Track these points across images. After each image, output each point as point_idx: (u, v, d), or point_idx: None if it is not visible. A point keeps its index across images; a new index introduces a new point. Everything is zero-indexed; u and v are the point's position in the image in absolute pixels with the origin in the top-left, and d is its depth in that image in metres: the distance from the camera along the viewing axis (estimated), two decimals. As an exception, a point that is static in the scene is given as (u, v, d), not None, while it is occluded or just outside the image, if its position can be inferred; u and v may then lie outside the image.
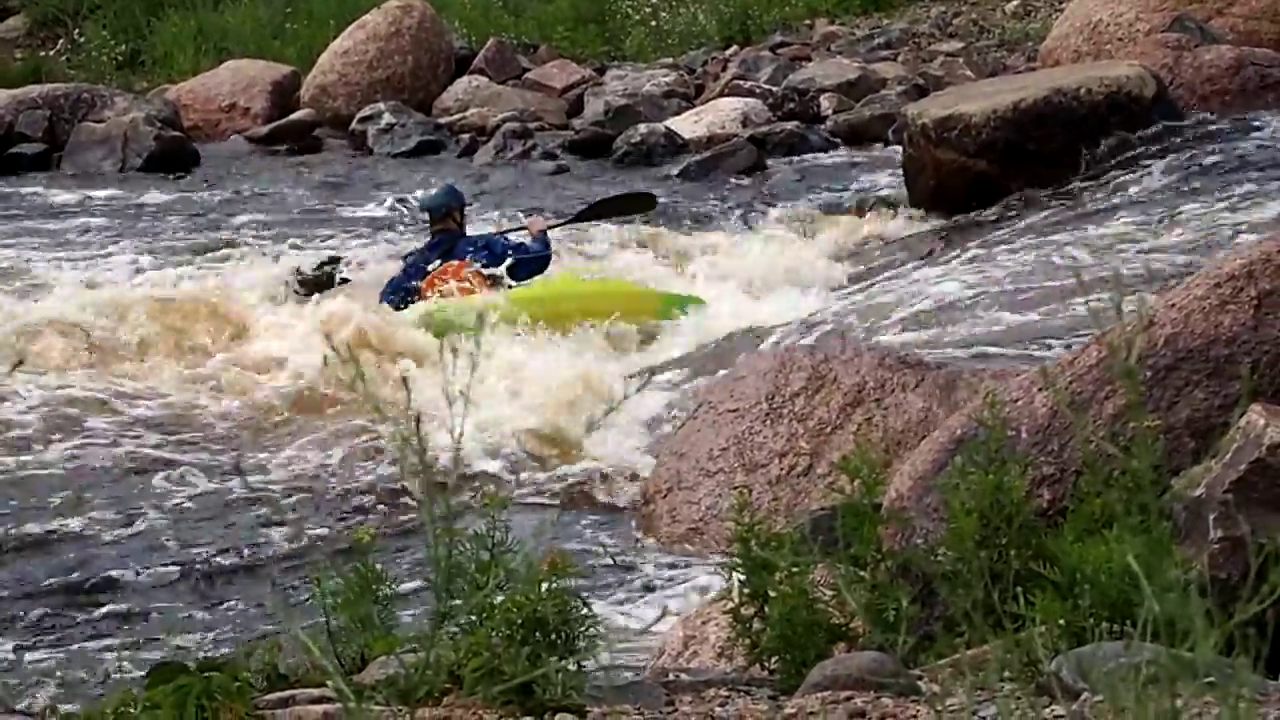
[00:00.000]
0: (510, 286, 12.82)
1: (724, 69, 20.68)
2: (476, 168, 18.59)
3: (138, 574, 9.07)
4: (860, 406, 8.68)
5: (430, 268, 12.98)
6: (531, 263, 13.13)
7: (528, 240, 13.40)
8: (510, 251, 13.14)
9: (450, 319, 12.04)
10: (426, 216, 13.50)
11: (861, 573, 5.34)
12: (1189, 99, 15.51)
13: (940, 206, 14.42)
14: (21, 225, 16.61)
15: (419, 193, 15.47)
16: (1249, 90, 15.72)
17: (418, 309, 12.55)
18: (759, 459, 8.77)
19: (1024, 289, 11.47)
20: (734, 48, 21.50)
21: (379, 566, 5.14)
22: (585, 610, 4.73)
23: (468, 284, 12.79)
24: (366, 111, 19.93)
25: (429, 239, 13.32)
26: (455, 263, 12.95)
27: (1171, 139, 14.45)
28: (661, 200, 15.67)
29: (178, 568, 9.17)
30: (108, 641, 8.26)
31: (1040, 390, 6.05)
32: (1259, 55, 16.19)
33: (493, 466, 10.37)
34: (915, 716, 4.51)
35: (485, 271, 12.88)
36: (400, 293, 12.95)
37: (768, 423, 8.86)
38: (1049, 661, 4.32)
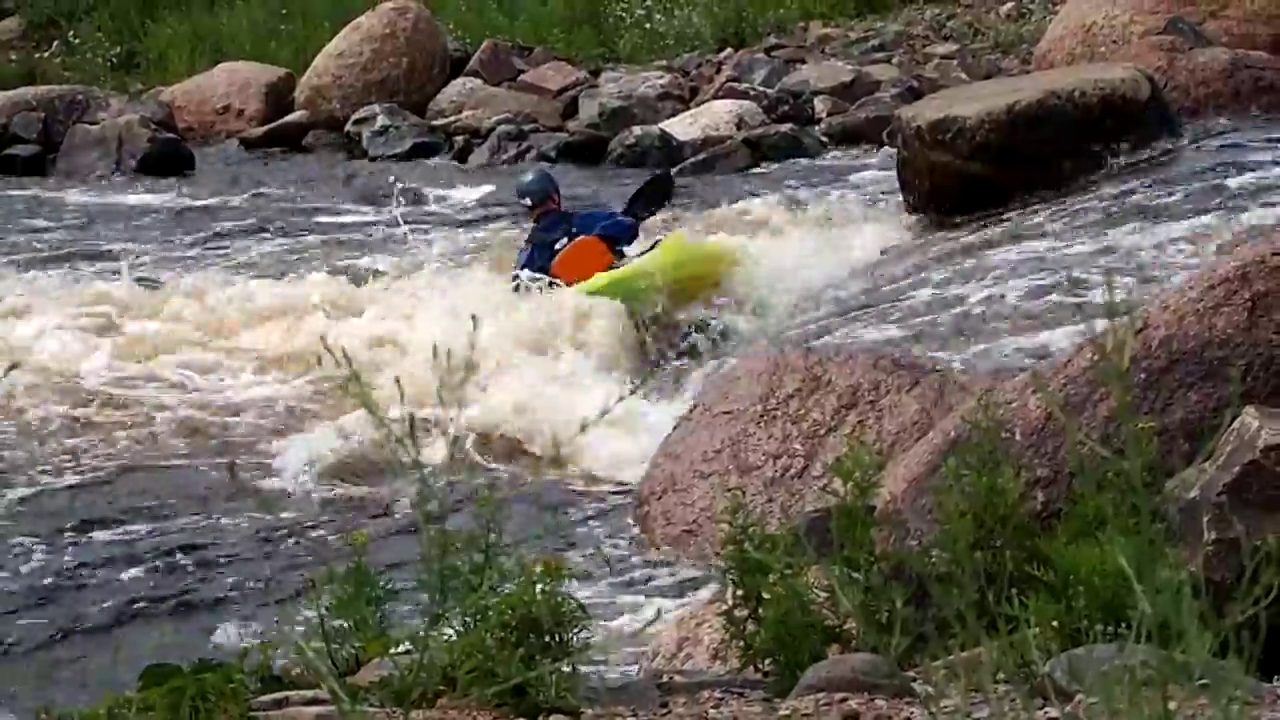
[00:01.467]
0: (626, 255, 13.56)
1: (718, 71, 20.68)
2: (471, 170, 18.58)
3: (132, 574, 9.06)
4: (854, 408, 8.68)
5: (558, 246, 13.32)
6: (626, 231, 13.76)
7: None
8: (614, 216, 13.92)
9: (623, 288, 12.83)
10: (527, 202, 13.77)
11: (855, 574, 5.34)
12: (1183, 102, 15.51)
13: (935, 209, 14.41)
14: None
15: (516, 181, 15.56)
16: (1243, 93, 15.73)
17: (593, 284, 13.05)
18: (753, 461, 8.77)
19: (1018, 291, 11.48)
20: (728, 50, 21.49)
21: (373, 567, 5.14)
22: (579, 612, 4.73)
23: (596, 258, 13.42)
24: (361, 114, 19.93)
25: (537, 222, 13.64)
26: (583, 237, 13.39)
27: (1165, 141, 14.46)
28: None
29: (171, 568, 9.17)
30: (101, 642, 8.25)
31: (1033, 392, 6.05)
32: (1253, 58, 16.20)
33: (487, 467, 10.37)
34: (909, 718, 4.51)
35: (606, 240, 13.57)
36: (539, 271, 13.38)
37: (762, 425, 8.86)
38: (1043, 663, 4.32)
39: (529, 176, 14.29)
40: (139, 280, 14.27)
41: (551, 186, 13.84)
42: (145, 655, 7.73)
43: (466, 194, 17.55)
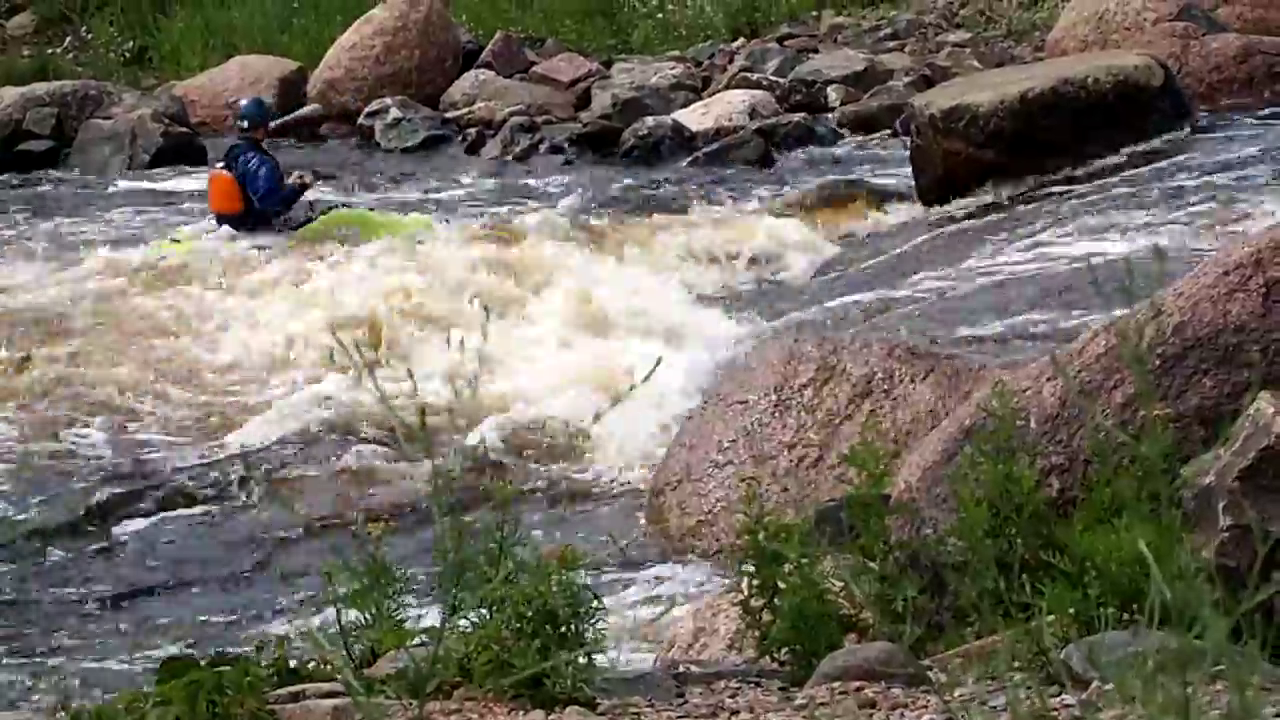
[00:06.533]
0: None
1: (731, 61, 20.66)
2: (484, 162, 18.59)
3: (149, 569, 9.08)
4: (869, 397, 8.67)
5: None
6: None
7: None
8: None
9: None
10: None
11: (871, 564, 5.35)
12: (1196, 88, 15.50)
13: (948, 197, 14.40)
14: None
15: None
16: (1256, 79, 15.71)
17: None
18: (768, 451, 8.77)
19: (1032, 278, 11.47)
20: (741, 40, 21.48)
21: (389, 559, 5.15)
22: (595, 603, 4.74)
23: None
24: (373, 106, 19.93)
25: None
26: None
27: (1179, 128, 14.44)
28: (671, 190, 15.73)
29: (188, 562, 9.18)
30: (119, 637, 8.27)
31: (1049, 380, 6.04)
32: (1266, 44, 16.18)
33: (502, 457, 10.37)
34: (925, 706, 4.51)
35: None
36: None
37: (776, 414, 8.86)
38: (1058, 650, 4.32)
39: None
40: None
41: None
42: (163, 649, 7.77)
43: (479, 185, 17.57)
